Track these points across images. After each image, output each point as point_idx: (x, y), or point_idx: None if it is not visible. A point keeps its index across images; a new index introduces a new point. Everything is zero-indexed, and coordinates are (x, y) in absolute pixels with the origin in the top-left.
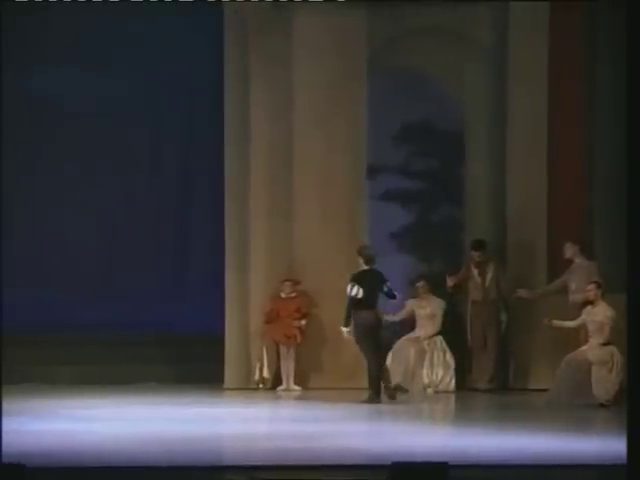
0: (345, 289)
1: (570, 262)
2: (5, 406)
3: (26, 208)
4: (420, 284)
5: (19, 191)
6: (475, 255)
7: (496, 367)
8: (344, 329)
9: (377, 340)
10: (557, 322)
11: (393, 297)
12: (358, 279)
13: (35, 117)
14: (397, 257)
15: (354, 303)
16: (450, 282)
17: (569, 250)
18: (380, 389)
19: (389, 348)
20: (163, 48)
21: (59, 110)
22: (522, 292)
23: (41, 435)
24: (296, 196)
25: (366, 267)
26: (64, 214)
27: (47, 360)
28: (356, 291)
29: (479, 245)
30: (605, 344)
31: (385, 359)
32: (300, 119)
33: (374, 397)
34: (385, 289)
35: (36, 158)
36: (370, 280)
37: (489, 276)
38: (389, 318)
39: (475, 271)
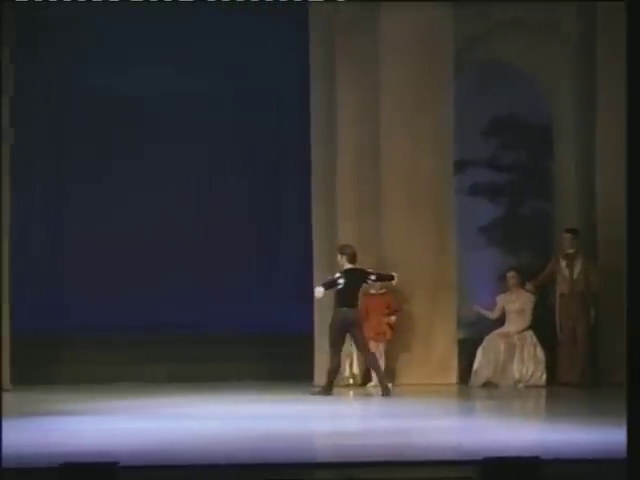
0: (435, 286)
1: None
2: (99, 405)
3: (114, 208)
4: (510, 274)
5: (109, 193)
6: (566, 244)
7: (586, 361)
8: (319, 289)
9: (354, 337)
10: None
11: (390, 278)
12: (342, 277)
13: (124, 117)
14: (485, 251)
15: (336, 298)
16: (529, 287)
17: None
18: (333, 382)
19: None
20: (249, 49)
21: (145, 111)
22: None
23: (133, 433)
24: (383, 194)
25: (349, 265)
26: (152, 214)
27: (139, 359)
28: (341, 282)
29: (572, 232)
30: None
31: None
32: (386, 118)
33: (327, 389)
34: (372, 278)
35: (124, 157)
36: (353, 278)
37: (577, 269)
38: (486, 315)
39: (563, 263)
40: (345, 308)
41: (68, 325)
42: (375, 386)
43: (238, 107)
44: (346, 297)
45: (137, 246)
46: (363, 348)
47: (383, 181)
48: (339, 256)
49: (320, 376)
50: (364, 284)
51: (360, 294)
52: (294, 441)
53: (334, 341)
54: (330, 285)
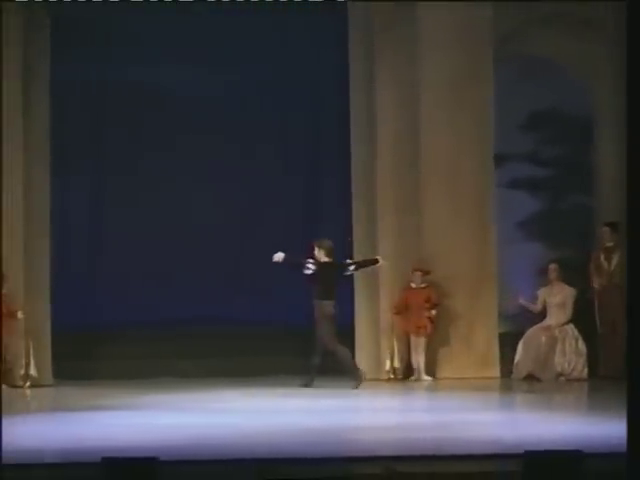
0: (476, 280)
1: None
2: (138, 400)
3: (150, 204)
4: (552, 267)
5: (146, 189)
6: (605, 237)
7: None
8: (280, 254)
9: (324, 328)
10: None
11: (374, 262)
12: (319, 270)
13: (161, 116)
14: (526, 245)
15: (315, 291)
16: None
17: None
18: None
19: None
20: (288, 47)
21: (184, 109)
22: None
23: (172, 428)
24: (423, 191)
25: (327, 259)
26: (189, 210)
27: (177, 354)
28: (311, 270)
29: (611, 225)
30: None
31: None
32: (426, 115)
33: (310, 382)
34: (352, 267)
35: (159, 155)
36: (328, 272)
37: (614, 261)
38: (531, 308)
39: (602, 256)
40: (325, 301)
41: (108, 320)
42: (416, 380)
43: (277, 106)
44: (324, 290)
45: (173, 241)
46: (329, 341)
47: (423, 178)
48: (316, 249)
49: (361, 367)
50: (343, 274)
51: (336, 287)
52: (335, 435)
53: (324, 334)
54: (295, 262)
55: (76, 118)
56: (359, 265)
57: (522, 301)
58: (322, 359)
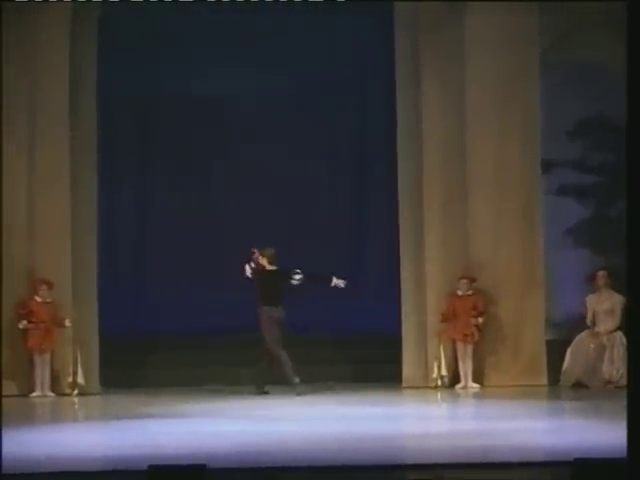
0: (523, 287)
1: None
2: (186, 407)
3: (201, 208)
4: (600, 274)
5: (194, 193)
6: None
7: None
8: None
9: (270, 334)
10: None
11: (326, 280)
12: (262, 277)
13: (207, 117)
14: (573, 252)
15: (259, 298)
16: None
17: None
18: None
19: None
20: (334, 47)
21: (232, 111)
22: None
23: (220, 436)
24: (470, 194)
25: (270, 267)
26: (238, 215)
27: (225, 361)
28: (248, 271)
29: None
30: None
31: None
32: (473, 116)
33: (261, 388)
34: (297, 277)
35: (208, 158)
36: (274, 279)
37: None
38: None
39: None
40: (268, 307)
41: (156, 327)
42: (463, 387)
43: (324, 107)
44: (268, 296)
45: (223, 246)
46: (274, 346)
47: (469, 179)
48: (260, 257)
49: (408, 377)
50: (289, 283)
51: (285, 293)
52: (383, 443)
53: (272, 339)
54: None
55: (123, 119)
56: (309, 278)
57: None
58: (271, 364)
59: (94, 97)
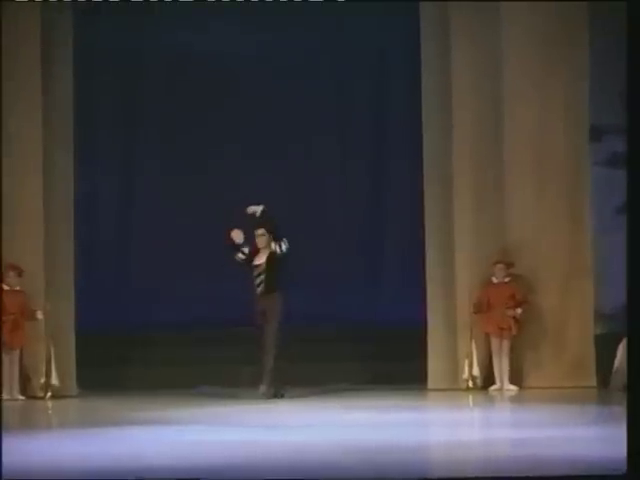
0: (567, 274)
1: None
2: (176, 413)
3: (193, 190)
4: None
5: (187, 172)
6: None
7: None
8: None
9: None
10: None
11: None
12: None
13: (206, 87)
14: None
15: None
16: None
17: None
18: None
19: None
20: (355, 16)
21: (233, 78)
22: None
23: (216, 446)
24: (507, 168)
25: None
26: (238, 198)
27: (221, 360)
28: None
29: None
30: None
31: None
32: (510, 82)
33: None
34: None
35: (200, 140)
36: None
37: None
38: None
39: None
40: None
41: (140, 321)
42: (498, 390)
43: (337, 72)
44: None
45: (214, 231)
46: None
47: (506, 153)
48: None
49: (434, 378)
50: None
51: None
52: (407, 454)
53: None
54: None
55: (104, 83)
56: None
57: None
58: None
59: (70, 69)
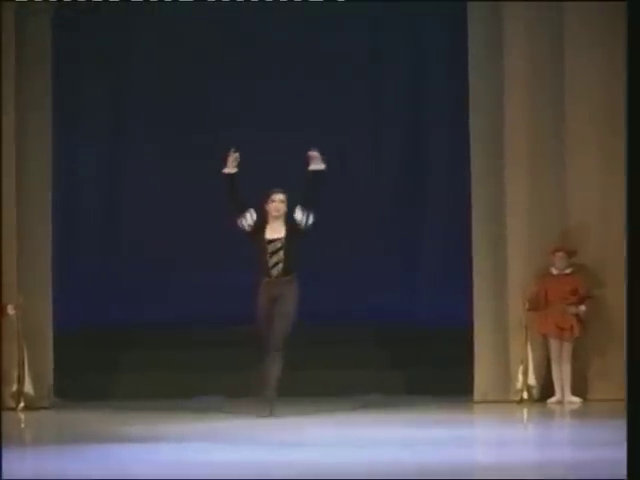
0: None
1: None
2: (168, 427)
3: (191, 172)
4: None
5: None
6: None
7: None
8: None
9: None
10: None
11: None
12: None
13: (207, 41)
14: None
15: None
16: None
17: None
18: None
19: None
20: None
21: (238, 29)
22: None
23: (215, 467)
24: (568, 139)
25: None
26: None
27: (221, 365)
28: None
29: None
30: None
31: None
32: (572, 36)
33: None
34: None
35: (197, 115)
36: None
37: None
38: None
39: None
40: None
41: (126, 320)
42: (558, 402)
43: (368, 31)
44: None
45: (217, 216)
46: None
47: (568, 121)
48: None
49: (482, 388)
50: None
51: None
52: (449, 474)
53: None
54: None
55: (86, 35)
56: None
57: None
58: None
59: (48, 24)
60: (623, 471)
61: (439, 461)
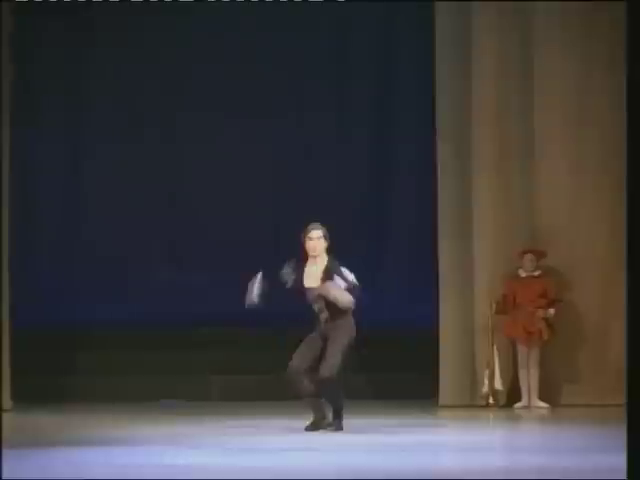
0: (611, 267)
1: None
2: (133, 432)
3: (158, 161)
4: None
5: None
6: None
7: None
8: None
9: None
10: None
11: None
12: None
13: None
14: None
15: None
16: None
17: None
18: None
19: None
20: None
21: (208, 24)
22: None
23: (182, 473)
24: (537, 137)
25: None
26: (212, 176)
27: (188, 367)
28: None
29: None
30: None
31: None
32: (539, 32)
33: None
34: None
35: (164, 105)
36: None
37: None
38: None
39: None
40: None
41: (87, 320)
42: (525, 407)
43: (334, 25)
44: None
45: (176, 212)
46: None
47: (536, 122)
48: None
49: (447, 392)
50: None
51: None
52: None
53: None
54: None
55: (48, 44)
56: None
57: None
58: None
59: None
60: (590, 477)
61: (404, 466)
